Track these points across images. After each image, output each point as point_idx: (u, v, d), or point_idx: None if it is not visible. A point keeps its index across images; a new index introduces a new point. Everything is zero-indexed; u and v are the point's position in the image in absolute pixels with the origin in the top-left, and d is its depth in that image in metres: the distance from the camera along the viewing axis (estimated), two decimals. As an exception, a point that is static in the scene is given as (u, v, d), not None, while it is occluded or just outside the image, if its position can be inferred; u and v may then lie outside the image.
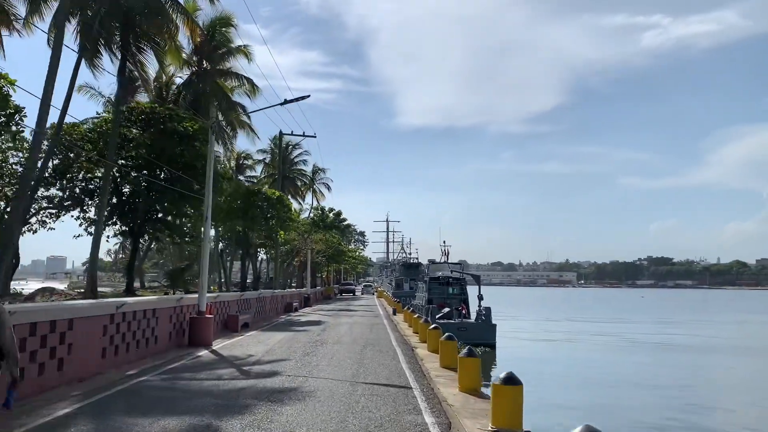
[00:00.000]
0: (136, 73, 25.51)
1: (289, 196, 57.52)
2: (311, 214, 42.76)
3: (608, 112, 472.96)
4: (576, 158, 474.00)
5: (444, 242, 40.31)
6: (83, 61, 22.16)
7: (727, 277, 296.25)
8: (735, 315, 76.86)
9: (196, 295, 18.47)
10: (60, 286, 42.38)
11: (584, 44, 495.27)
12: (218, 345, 17.80)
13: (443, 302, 37.98)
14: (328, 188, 66.21)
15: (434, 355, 15.56)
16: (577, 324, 56.05)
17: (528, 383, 7.88)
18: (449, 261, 40.29)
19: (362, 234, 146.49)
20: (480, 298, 34.73)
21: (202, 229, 19.24)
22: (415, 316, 24.24)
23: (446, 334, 14.49)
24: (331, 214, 42.84)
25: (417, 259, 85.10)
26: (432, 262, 41.49)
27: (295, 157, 66.04)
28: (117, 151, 22.24)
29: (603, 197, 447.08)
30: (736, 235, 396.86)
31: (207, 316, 18.02)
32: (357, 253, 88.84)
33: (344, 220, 44.79)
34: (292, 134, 39.71)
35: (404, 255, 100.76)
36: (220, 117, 28.21)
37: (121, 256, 70.31)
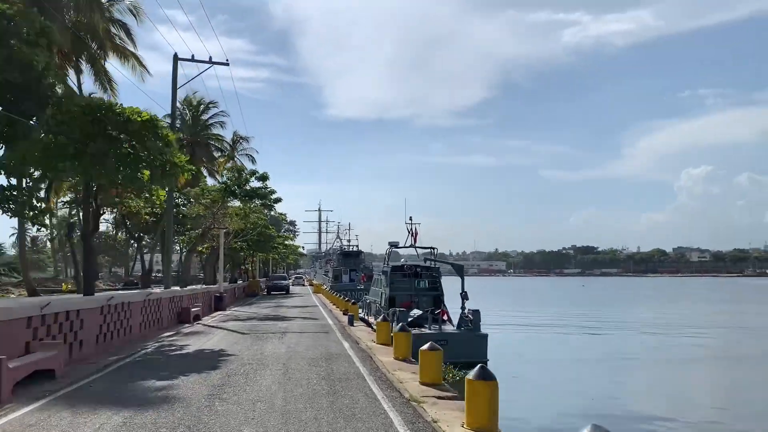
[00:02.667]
0: None
1: (205, 172, 44.28)
2: (225, 178, 29.82)
3: (532, 107, 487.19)
4: (501, 151, 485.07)
5: (411, 220, 28.70)
6: None
7: (649, 265, 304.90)
8: (716, 304, 70.44)
9: None
10: None
11: (509, 39, 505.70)
12: None
13: (410, 301, 26.82)
14: (253, 161, 53.17)
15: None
16: (568, 324, 46.27)
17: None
18: (418, 245, 28.88)
19: (293, 224, 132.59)
20: (464, 296, 23.65)
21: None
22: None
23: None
24: (252, 179, 29.97)
25: (357, 247, 73.39)
26: (393, 246, 29.84)
27: (209, 118, 52.55)
28: None
29: (527, 189, 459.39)
30: (651, 224, 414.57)
31: None
32: (288, 241, 75.80)
33: (273, 191, 32.04)
34: (193, 60, 26.95)
35: (340, 244, 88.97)
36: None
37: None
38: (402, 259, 35.02)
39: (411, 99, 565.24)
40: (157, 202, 17.66)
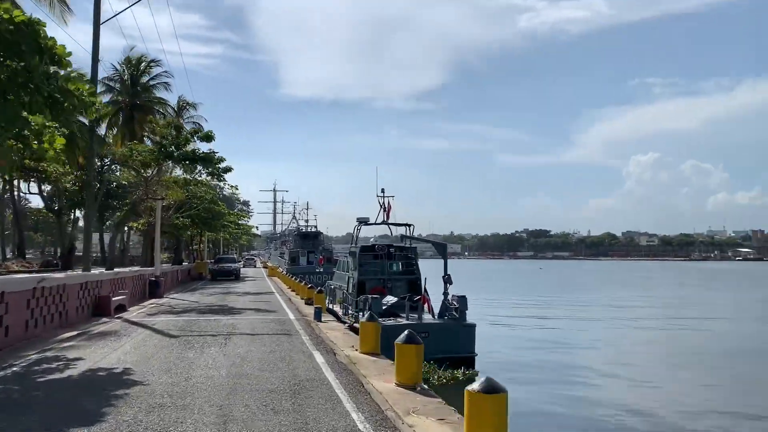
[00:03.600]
0: None
1: (149, 143, 38.20)
2: (159, 138, 23.94)
3: (488, 92, 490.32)
4: (457, 136, 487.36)
5: (383, 192, 24.02)
6: None
7: (600, 248, 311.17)
8: (693, 288, 68.76)
9: None
10: None
11: (466, 23, 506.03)
12: None
13: (382, 286, 22.43)
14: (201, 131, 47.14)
15: None
16: (551, 309, 42.78)
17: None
18: (391, 221, 24.33)
19: (247, 204, 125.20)
20: (447, 280, 19.66)
21: None
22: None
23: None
24: (195, 138, 24.08)
25: (315, 227, 68.08)
26: (363, 222, 25.02)
27: (151, 79, 46.14)
28: None
29: (482, 173, 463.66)
30: (600, 209, 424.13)
31: None
32: (240, 220, 69.61)
33: (222, 159, 26.30)
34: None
35: (297, 225, 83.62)
36: None
37: None
38: (371, 238, 30.40)
39: (368, 81, 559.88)
40: (49, 155, 12.30)
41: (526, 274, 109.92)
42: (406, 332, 8.91)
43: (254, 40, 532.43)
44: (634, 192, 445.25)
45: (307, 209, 73.37)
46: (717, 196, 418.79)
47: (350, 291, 22.76)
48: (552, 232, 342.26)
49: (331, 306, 23.16)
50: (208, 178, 30.81)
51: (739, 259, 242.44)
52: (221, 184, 35.04)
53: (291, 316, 18.49)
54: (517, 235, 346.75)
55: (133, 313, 19.85)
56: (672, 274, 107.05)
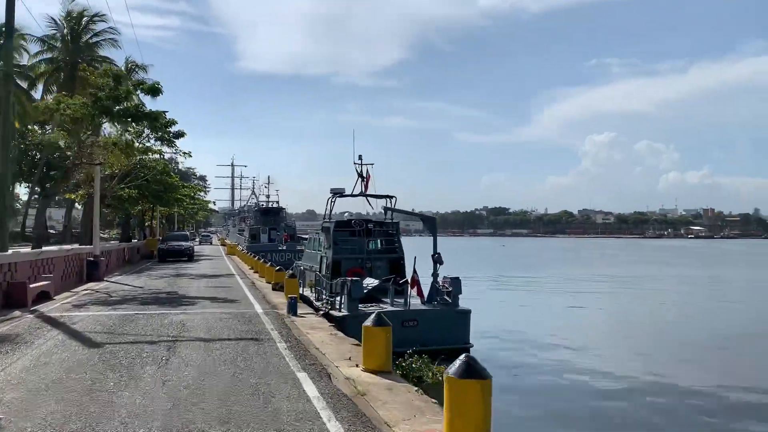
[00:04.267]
0: None
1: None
2: (95, 90, 19.45)
3: (448, 70, 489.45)
4: (418, 113, 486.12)
5: (360, 159, 20.55)
6: None
7: (557, 226, 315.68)
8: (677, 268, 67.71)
9: None
10: None
11: (429, 0, 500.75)
12: None
13: (360, 267, 19.32)
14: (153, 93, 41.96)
15: None
16: (541, 290, 40.42)
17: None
18: (368, 192, 21.00)
19: (203, 179, 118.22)
20: (437, 260, 17.19)
21: None
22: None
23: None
24: (138, 91, 19.54)
25: (277, 203, 63.78)
26: (337, 193, 21.44)
27: (94, 35, 40.74)
28: None
29: (442, 151, 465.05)
30: (556, 187, 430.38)
31: None
32: (196, 194, 64.39)
33: (174, 123, 22.05)
34: None
35: (256, 200, 79.02)
36: None
37: None
38: (346, 213, 26.85)
39: (328, 56, 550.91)
40: None
41: (488, 250, 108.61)
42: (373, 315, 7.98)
43: (210, 12, 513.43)
44: (590, 171, 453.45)
45: (268, 184, 68.37)
46: (668, 175, 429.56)
47: (323, 272, 19.55)
48: (511, 210, 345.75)
49: (302, 290, 19.80)
50: (158, 143, 26.49)
51: (691, 237, 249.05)
52: (173, 153, 30.72)
53: (258, 308, 14.83)
54: (477, 212, 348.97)
55: (58, 303, 15.86)
56: (646, 253, 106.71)
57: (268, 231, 52.69)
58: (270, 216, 56.00)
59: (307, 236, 41.09)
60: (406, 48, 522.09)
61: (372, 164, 21.47)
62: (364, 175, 21.32)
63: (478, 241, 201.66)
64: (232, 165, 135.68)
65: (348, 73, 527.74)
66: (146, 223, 56.25)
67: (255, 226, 55.36)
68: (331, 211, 22.74)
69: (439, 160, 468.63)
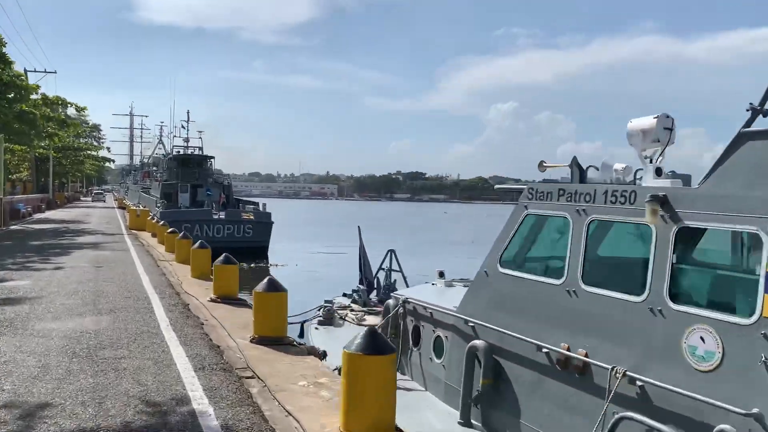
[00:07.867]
0: None
1: None
2: None
3: (359, 32, 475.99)
4: (327, 75, 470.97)
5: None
6: None
7: (473, 192, 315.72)
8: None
9: None
10: None
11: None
12: None
13: None
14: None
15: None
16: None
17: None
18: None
19: (96, 128, 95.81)
20: None
21: None
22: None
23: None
24: None
25: (201, 150, 47.85)
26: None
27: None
28: None
29: (352, 114, 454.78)
30: (463, 154, 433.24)
31: None
32: (81, 137, 48.00)
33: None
34: None
35: (165, 150, 62.46)
36: None
37: None
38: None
39: (233, 10, 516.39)
40: None
41: (439, 219, 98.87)
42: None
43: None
44: (493, 139, 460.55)
45: (187, 122, 49.99)
46: (565, 145, 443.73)
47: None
48: (427, 175, 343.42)
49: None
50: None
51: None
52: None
53: None
54: (393, 176, 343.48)
55: None
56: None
57: (189, 189, 38.38)
58: (191, 168, 40.85)
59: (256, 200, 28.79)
60: (316, 6, 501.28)
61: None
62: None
63: (397, 206, 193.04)
64: (131, 114, 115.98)
65: (253, 28, 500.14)
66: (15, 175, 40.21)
67: (169, 182, 40.28)
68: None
69: (350, 123, 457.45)
